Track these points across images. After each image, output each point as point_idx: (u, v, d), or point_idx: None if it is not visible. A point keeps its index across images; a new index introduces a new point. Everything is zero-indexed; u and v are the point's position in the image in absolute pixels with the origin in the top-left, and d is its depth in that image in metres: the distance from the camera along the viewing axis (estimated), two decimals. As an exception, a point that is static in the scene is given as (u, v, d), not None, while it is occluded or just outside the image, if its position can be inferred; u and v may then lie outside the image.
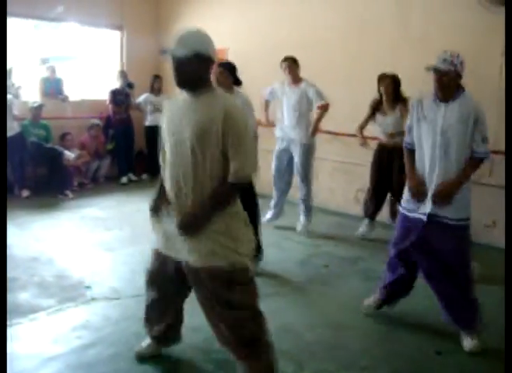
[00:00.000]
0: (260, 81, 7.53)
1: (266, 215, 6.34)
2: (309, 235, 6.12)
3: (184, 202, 2.75)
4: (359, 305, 4.17)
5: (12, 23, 8.40)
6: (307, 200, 6.20)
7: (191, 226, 2.71)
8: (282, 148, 6.16)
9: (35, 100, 8.01)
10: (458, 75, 3.43)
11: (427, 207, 3.55)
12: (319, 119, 5.98)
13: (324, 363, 3.40)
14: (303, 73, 6.13)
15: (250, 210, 5.23)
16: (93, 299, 4.25)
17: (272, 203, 6.39)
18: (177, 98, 2.87)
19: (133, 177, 8.96)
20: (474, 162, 3.52)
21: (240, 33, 8.20)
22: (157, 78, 9.01)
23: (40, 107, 7.81)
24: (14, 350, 3.40)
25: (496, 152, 5.64)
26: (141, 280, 4.43)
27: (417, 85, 5.61)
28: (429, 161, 3.54)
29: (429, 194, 3.54)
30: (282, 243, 5.88)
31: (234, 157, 2.62)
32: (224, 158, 2.65)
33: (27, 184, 7.59)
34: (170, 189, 2.82)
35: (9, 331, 3.64)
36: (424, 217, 3.56)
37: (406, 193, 3.74)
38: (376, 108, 5.79)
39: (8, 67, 7.82)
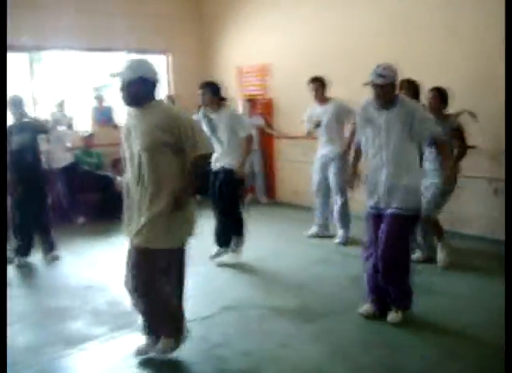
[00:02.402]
0: (305, 95, 7.46)
1: (311, 229, 6.50)
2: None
3: (143, 196, 3.27)
4: (418, 322, 3.99)
5: (69, 55, 8.70)
6: (343, 210, 6.20)
7: (182, 200, 3.25)
8: (319, 164, 6.34)
9: (86, 129, 8.18)
10: (393, 85, 3.88)
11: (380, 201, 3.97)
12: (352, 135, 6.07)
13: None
14: (348, 84, 6.03)
15: (234, 217, 5.61)
16: (145, 326, 4.19)
17: (316, 217, 6.51)
18: (130, 111, 3.37)
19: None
20: (439, 144, 4.16)
21: (282, 49, 8.14)
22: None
23: (91, 136, 7.99)
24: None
25: None
26: (193, 305, 4.41)
27: (467, 83, 5.44)
28: (376, 159, 3.94)
29: (381, 189, 3.91)
30: (331, 258, 5.72)
31: (189, 143, 3.19)
32: (176, 152, 3.23)
33: (83, 211, 7.71)
34: (132, 185, 3.34)
35: (60, 362, 3.65)
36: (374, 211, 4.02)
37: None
38: None
39: (60, 99, 8.03)
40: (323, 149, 6.24)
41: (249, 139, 5.40)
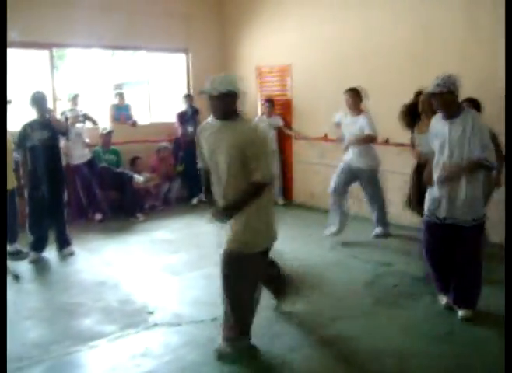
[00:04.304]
0: (326, 95, 7.44)
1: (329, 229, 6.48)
2: (380, 250, 5.96)
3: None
4: (429, 328, 3.93)
5: (91, 53, 8.78)
6: (379, 213, 6.43)
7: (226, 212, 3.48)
8: (343, 170, 6.35)
9: (105, 127, 8.19)
10: (451, 93, 3.87)
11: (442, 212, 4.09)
12: (361, 140, 6.17)
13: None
14: (367, 86, 6.02)
15: None
16: (155, 325, 4.20)
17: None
18: (208, 123, 3.62)
19: (203, 198, 8.94)
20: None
21: (302, 49, 8.09)
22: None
23: (109, 133, 8.01)
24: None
25: None
26: (203, 306, 4.43)
27: (488, 87, 5.34)
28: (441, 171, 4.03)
29: (443, 202, 4.04)
30: (348, 262, 5.67)
31: (255, 167, 3.34)
32: (247, 169, 3.38)
33: (100, 208, 7.75)
34: (216, 192, 3.60)
35: (69, 359, 3.67)
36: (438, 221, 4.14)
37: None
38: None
39: (73, 94, 8.04)
40: (351, 161, 6.29)
41: None
